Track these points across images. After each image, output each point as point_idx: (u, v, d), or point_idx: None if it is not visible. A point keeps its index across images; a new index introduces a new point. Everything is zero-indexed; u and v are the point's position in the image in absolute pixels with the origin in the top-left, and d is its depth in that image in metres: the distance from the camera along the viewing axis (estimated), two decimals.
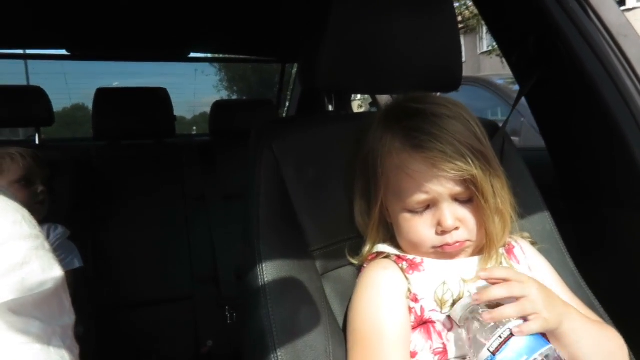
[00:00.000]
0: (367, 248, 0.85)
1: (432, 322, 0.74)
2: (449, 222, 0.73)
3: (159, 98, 2.21)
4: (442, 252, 0.76)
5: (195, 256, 2.09)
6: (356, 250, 0.86)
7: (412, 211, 0.76)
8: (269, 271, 0.78)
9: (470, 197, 0.75)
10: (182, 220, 2.13)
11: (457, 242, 0.75)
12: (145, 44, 2.37)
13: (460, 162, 0.71)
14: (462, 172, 0.71)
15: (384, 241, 0.84)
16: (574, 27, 1.02)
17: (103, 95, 2.14)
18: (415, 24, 0.96)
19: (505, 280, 0.68)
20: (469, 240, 0.76)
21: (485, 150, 0.75)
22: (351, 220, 0.89)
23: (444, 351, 0.72)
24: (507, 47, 1.20)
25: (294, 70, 2.84)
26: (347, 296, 0.85)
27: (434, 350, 0.73)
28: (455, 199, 0.75)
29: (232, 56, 2.79)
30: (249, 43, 2.40)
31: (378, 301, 0.75)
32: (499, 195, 0.75)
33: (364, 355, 0.72)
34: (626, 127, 0.99)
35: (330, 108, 1.06)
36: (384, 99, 1.90)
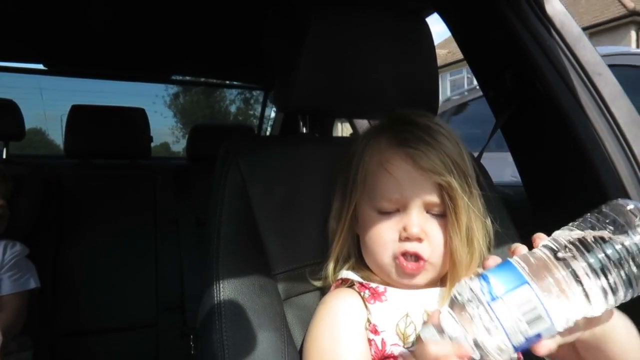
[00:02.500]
0: (330, 265, 0.80)
1: (394, 358, 0.69)
2: (414, 228, 0.70)
3: (135, 118, 2.17)
4: (400, 268, 0.72)
5: (162, 282, 2.01)
6: (319, 275, 0.82)
7: (381, 212, 0.74)
8: (225, 293, 0.74)
9: (443, 212, 0.72)
10: (151, 245, 2.06)
11: (416, 253, 0.71)
12: (126, 63, 2.35)
13: (441, 167, 0.70)
14: (440, 176, 0.69)
15: (347, 260, 0.81)
16: (550, 64, 1.02)
17: (77, 112, 2.09)
18: (392, 49, 0.96)
19: None
20: (429, 262, 0.72)
21: (467, 172, 0.73)
22: (318, 244, 0.85)
23: None
24: (486, 82, 1.21)
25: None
26: (308, 323, 0.81)
27: None
28: (428, 211, 0.73)
29: (214, 81, 2.78)
30: (232, 68, 2.39)
31: (336, 332, 0.70)
32: (473, 220, 0.73)
33: None
34: (601, 166, 0.98)
35: (304, 130, 1.04)
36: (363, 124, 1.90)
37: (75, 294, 1.91)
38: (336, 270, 0.80)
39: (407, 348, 0.69)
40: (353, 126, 1.91)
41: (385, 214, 0.74)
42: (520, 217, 1.02)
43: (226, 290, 0.74)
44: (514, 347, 0.49)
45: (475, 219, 0.73)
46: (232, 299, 0.73)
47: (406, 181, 0.71)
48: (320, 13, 0.91)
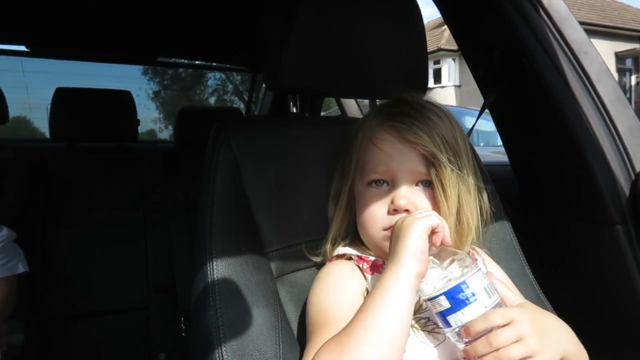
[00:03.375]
0: (328, 242, 0.83)
1: None
2: (401, 200, 0.72)
3: (122, 100, 2.14)
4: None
5: (152, 265, 2.01)
6: (316, 252, 0.84)
7: (372, 187, 0.77)
8: (219, 270, 0.74)
9: (431, 181, 0.74)
10: (140, 227, 2.05)
11: None
12: (112, 45, 2.31)
13: (425, 139, 0.72)
14: (424, 147, 0.71)
15: (345, 238, 0.83)
16: (538, 43, 1.03)
17: (63, 94, 2.06)
18: (382, 28, 0.96)
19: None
20: None
21: (457, 148, 0.75)
22: (310, 222, 0.86)
23: None
24: (475, 62, 1.21)
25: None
26: (303, 301, 0.82)
27: None
28: (416, 183, 0.75)
29: (202, 63, 2.75)
30: (219, 50, 2.37)
31: (335, 290, 0.73)
32: (463, 196, 0.74)
33: (322, 340, 0.66)
34: (586, 143, 1.00)
35: (294, 110, 1.04)
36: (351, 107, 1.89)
37: (65, 278, 1.90)
38: (333, 248, 0.82)
39: None
40: (341, 108, 1.91)
41: (376, 188, 0.76)
42: (506, 195, 1.04)
43: (219, 268, 0.74)
44: None
45: (465, 195, 0.75)
46: (226, 276, 0.74)
47: (392, 153, 0.74)
48: None
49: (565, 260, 1.10)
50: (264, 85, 2.94)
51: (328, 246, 0.83)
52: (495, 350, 0.59)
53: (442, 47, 14.78)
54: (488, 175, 0.99)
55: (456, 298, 0.62)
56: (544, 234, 1.15)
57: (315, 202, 0.88)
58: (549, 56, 1.02)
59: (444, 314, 0.63)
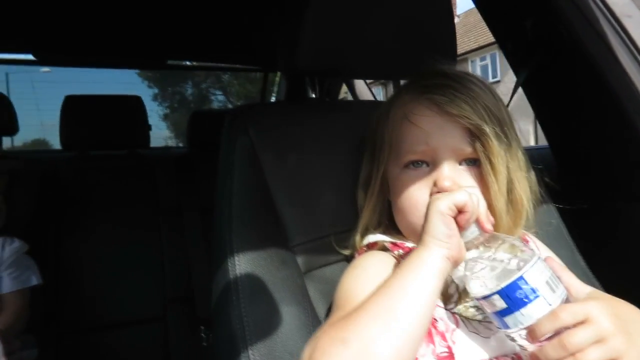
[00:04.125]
0: (359, 231, 0.74)
1: (434, 320, 0.62)
2: (445, 182, 0.64)
3: (132, 106, 2.09)
4: None
5: (169, 273, 1.94)
6: (345, 244, 0.76)
7: (410, 169, 0.68)
8: (242, 266, 0.67)
9: (477, 162, 0.66)
10: (155, 235, 1.99)
11: None
12: (121, 50, 2.26)
13: (469, 111, 0.63)
14: (468, 120, 0.63)
15: (378, 227, 0.74)
16: (576, 8, 0.94)
17: (72, 102, 2.01)
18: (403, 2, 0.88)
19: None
20: None
21: (504, 120, 0.66)
22: (338, 211, 0.79)
23: (450, 355, 0.60)
24: (504, 34, 1.13)
25: (277, 78, 2.74)
26: (333, 298, 0.74)
27: (437, 355, 0.60)
28: (460, 162, 0.66)
29: (212, 64, 2.69)
30: (230, 51, 2.31)
31: (364, 276, 0.64)
32: (513, 172, 0.66)
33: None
34: (636, 114, 0.91)
35: (313, 95, 0.97)
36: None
37: (79, 290, 1.84)
38: (363, 238, 0.74)
39: (449, 309, 0.62)
40: (353, 92, 1.82)
41: (414, 170, 0.68)
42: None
43: (242, 263, 0.67)
44: None
45: (515, 171, 0.66)
46: (249, 272, 0.66)
47: (432, 129, 0.65)
48: None
49: (618, 245, 1.00)
50: (275, 89, 2.87)
51: (357, 237, 0.74)
52: (571, 355, 0.48)
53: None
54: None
55: (513, 297, 0.52)
56: (590, 219, 1.05)
57: (342, 191, 0.80)
58: (588, 22, 0.93)
59: (500, 315, 0.53)
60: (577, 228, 0.92)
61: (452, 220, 0.57)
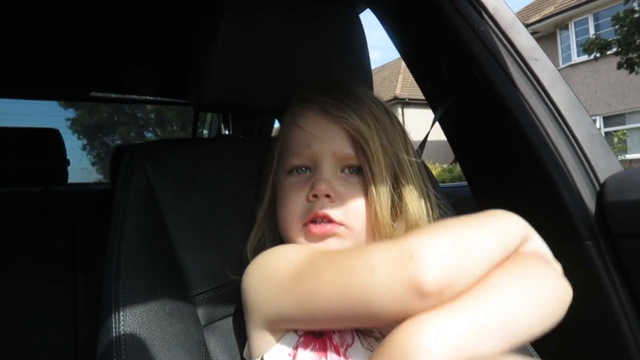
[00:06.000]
0: (249, 244, 0.70)
1: (331, 333, 0.58)
2: (321, 185, 0.61)
3: (47, 139, 1.95)
4: (309, 233, 0.62)
5: (82, 323, 1.78)
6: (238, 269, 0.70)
7: (293, 174, 0.66)
8: (127, 322, 0.60)
9: (360, 168, 0.64)
10: (69, 280, 1.83)
11: (326, 215, 0.61)
12: (41, 81, 2.13)
13: (352, 114, 0.62)
14: (349, 121, 0.62)
15: (274, 243, 0.69)
16: (486, 50, 0.96)
17: None
18: (318, 38, 0.87)
19: None
20: (342, 225, 0.62)
21: (393, 135, 0.65)
22: (244, 256, 0.73)
23: None
24: (422, 75, 1.14)
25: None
26: (238, 351, 0.68)
27: None
28: (342, 169, 0.64)
29: (138, 97, 2.59)
30: (157, 84, 2.23)
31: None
32: (403, 185, 0.64)
33: None
34: (544, 154, 0.93)
35: (226, 132, 0.92)
36: None
37: None
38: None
39: None
40: None
41: (296, 176, 0.66)
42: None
43: (127, 318, 0.60)
44: None
45: (406, 184, 0.64)
46: (135, 328, 0.59)
47: (315, 131, 0.64)
48: (235, 2, 0.81)
49: None
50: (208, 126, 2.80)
51: (249, 251, 0.69)
52: None
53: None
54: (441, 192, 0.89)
55: None
56: None
57: (250, 230, 0.75)
58: (498, 63, 0.95)
59: None
60: None
61: None
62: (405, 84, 14.83)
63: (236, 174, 0.79)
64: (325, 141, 0.63)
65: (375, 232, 0.63)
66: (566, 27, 12.81)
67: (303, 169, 0.65)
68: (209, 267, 0.71)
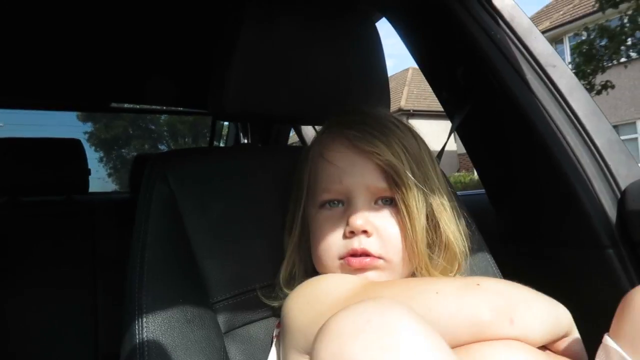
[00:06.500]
0: (281, 278, 0.70)
1: None
2: (357, 221, 0.61)
3: (69, 149, 1.99)
4: (348, 267, 0.62)
5: (103, 331, 1.80)
6: (273, 295, 0.71)
7: (325, 209, 0.66)
8: (150, 328, 0.61)
9: (393, 198, 0.63)
10: (90, 288, 1.86)
11: (365, 251, 0.61)
12: (62, 92, 2.18)
13: (382, 147, 0.62)
14: (380, 156, 0.61)
15: (305, 276, 0.69)
16: (503, 57, 0.97)
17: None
18: (335, 46, 0.88)
19: None
20: (381, 258, 0.62)
21: (423, 163, 0.65)
22: (266, 263, 0.74)
23: None
24: (438, 84, 1.14)
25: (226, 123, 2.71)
26: (258, 358, 0.68)
27: None
28: (376, 201, 0.64)
29: (158, 107, 2.63)
30: (177, 94, 2.26)
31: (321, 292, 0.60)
32: (438, 214, 0.64)
33: None
34: (564, 161, 0.92)
35: (245, 141, 0.94)
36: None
37: (6, 349, 1.68)
38: (289, 285, 0.69)
39: None
40: (301, 137, 1.81)
41: (329, 210, 0.65)
42: (483, 226, 0.94)
43: (150, 325, 0.61)
44: None
45: (441, 213, 0.64)
46: (158, 335, 0.60)
47: (345, 166, 0.64)
48: (254, 11, 0.82)
49: (554, 290, 0.99)
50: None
51: (281, 282, 0.69)
52: None
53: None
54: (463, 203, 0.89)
55: None
56: (525, 264, 1.04)
57: (271, 240, 0.76)
58: (515, 70, 0.96)
59: None
60: (510, 276, 0.90)
61: None
62: (410, 95, 14.82)
63: (256, 182, 0.80)
64: (357, 175, 0.63)
65: (412, 261, 0.63)
66: (561, 42, 13.15)
67: (335, 202, 0.65)
68: (230, 274, 0.72)
